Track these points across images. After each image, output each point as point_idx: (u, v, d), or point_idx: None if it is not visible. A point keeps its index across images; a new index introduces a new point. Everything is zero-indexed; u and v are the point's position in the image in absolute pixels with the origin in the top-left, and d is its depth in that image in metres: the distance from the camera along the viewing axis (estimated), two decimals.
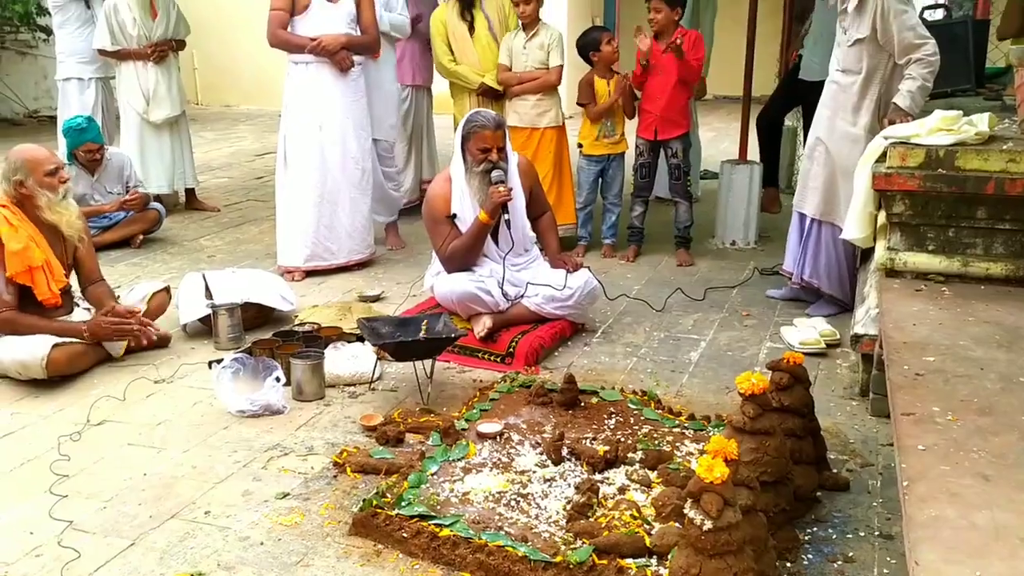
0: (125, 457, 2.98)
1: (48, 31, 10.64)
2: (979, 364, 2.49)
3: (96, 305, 3.83)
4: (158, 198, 6.13)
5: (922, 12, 5.53)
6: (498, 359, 3.71)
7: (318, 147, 4.87)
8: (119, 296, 3.96)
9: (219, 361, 3.46)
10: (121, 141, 6.43)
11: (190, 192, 6.77)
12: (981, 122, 3.29)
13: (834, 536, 2.50)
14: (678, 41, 4.84)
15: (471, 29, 5.39)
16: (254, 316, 4.14)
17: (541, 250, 4.26)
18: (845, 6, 3.96)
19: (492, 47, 5.40)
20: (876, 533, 2.51)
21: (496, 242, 3.96)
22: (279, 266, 5.03)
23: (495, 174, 3.80)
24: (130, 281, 4.87)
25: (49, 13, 8.92)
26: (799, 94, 6.07)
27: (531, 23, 5.22)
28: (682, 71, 4.95)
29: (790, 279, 4.42)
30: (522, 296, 3.89)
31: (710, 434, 2.99)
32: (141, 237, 5.71)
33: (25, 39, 11.75)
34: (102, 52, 6.26)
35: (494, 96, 5.41)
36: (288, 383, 3.42)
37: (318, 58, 4.78)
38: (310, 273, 4.98)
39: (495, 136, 3.83)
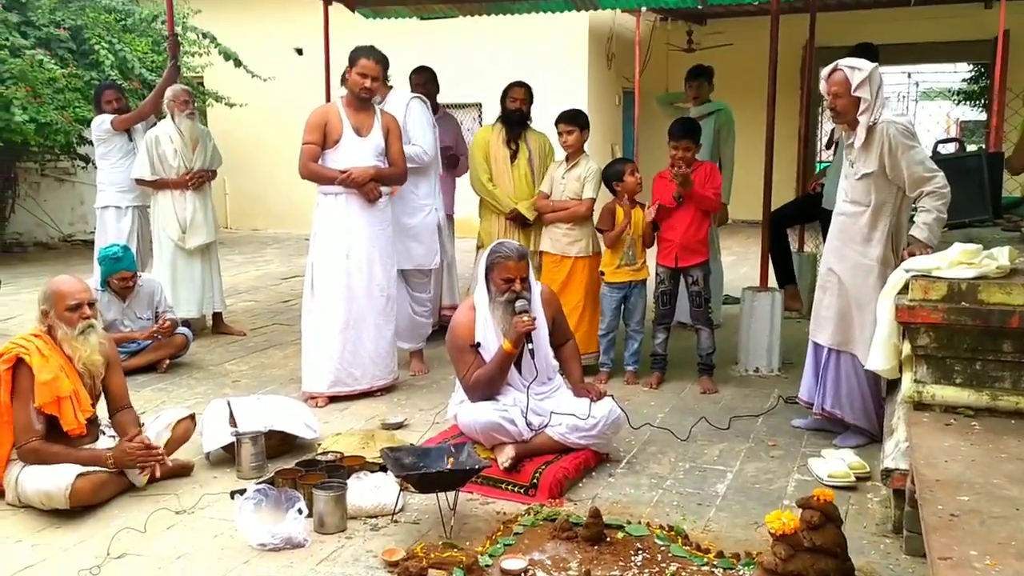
0: None
1: (86, 159, 11.08)
2: (1015, 504, 2.44)
3: (121, 432, 3.85)
4: (186, 322, 6.23)
5: (936, 146, 5.67)
6: (522, 490, 3.67)
7: (345, 274, 4.97)
8: (143, 424, 3.98)
9: (241, 492, 3.44)
10: (153, 267, 6.59)
11: (217, 316, 6.87)
12: (1002, 255, 3.32)
13: None
14: (684, 170, 4.99)
15: (513, 156, 5.62)
16: (278, 444, 4.14)
17: (562, 374, 4.26)
18: (851, 141, 4.07)
19: (528, 178, 5.62)
20: None
21: (520, 371, 3.98)
22: (303, 392, 5.06)
23: (519, 304, 3.85)
24: (155, 407, 4.90)
25: (88, 142, 9.34)
26: (817, 216, 6.20)
27: (573, 153, 5.43)
28: (697, 201, 5.07)
29: (809, 408, 4.39)
30: (546, 425, 3.87)
31: (740, 573, 2.92)
32: (168, 362, 5.77)
33: (64, 166, 12.22)
34: (140, 181, 6.49)
35: (522, 223, 5.55)
36: (310, 514, 3.39)
37: (347, 189, 4.93)
38: (333, 399, 5.00)
39: (518, 267, 3.90)
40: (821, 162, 6.38)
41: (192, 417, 4.15)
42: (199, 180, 6.43)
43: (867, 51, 5.62)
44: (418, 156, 5.44)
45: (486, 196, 5.69)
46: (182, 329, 5.92)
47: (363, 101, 4.99)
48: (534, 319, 3.85)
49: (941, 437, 3.01)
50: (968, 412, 3.21)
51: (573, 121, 5.42)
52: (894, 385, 3.94)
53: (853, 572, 2.69)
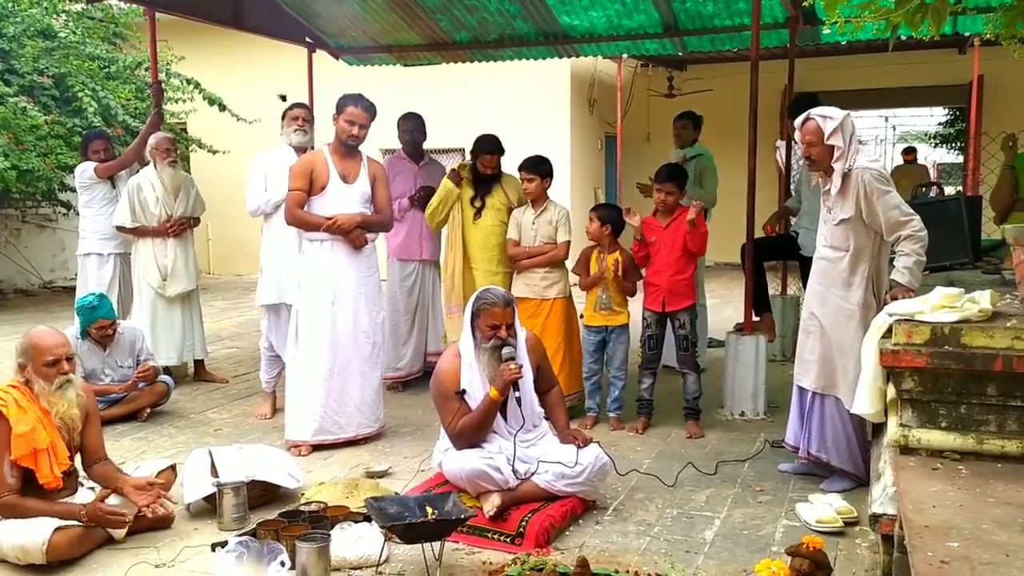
0: None
1: (68, 206, 11.05)
2: (1004, 550, 2.42)
3: (102, 484, 3.79)
4: (167, 370, 6.17)
5: (915, 190, 5.74)
6: (508, 539, 3.62)
7: (330, 321, 4.95)
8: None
9: (223, 544, 3.37)
10: (133, 313, 6.53)
11: (199, 363, 6.81)
12: (983, 299, 3.34)
13: None
14: (691, 217, 5.02)
15: (477, 215, 5.67)
16: (260, 494, 4.08)
17: (547, 419, 4.23)
18: (828, 188, 4.11)
19: (501, 226, 5.64)
20: None
21: (505, 418, 3.95)
22: (286, 440, 5.00)
23: (505, 351, 3.84)
24: (136, 456, 4.83)
25: (70, 188, 9.33)
26: (795, 257, 6.28)
27: (537, 200, 5.44)
28: (692, 244, 5.10)
29: (796, 452, 4.39)
30: (533, 473, 3.84)
31: None
32: (148, 410, 5.70)
33: (46, 213, 12.18)
34: (121, 229, 6.46)
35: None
36: (293, 567, 3.33)
37: (332, 236, 4.93)
38: (317, 447, 4.94)
39: (504, 313, 3.90)
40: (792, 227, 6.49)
41: (173, 467, 4.10)
42: (179, 228, 6.41)
43: (810, 101, 5.74)
44: None
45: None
46: (163, 377, 5.87)
47: (350, 148, 5.01)
48: (521, 367, 3.84)
49: (928, 482, 3.00)
50: (954, 456, 3.20)
51: (533, 170, 5.46)
52: (879, 428, 3.94)
53: None
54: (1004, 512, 2.71)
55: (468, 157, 5.89)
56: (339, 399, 4.97)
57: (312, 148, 5.52)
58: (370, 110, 5.00)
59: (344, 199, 4.95)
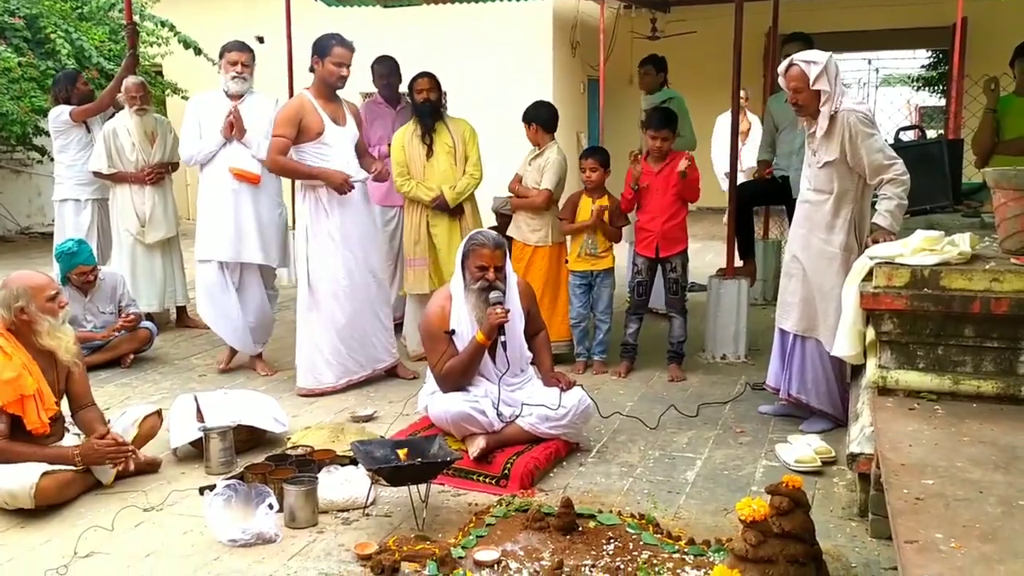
0: None
1: (43, 151, 10.87)
2: (978, 487, 2.49)
3: (86, 431, 3.80)
4: (149, 316, 6.15)
5: (897, 133, 5.75)
6: (493, 481, 3.67)
7: (341, 265, 4.97)
8: (109, 420, 3.93)
9: (211, 488, 3.41)
10: (113, 260, 6.49)
11: (181, 309, 6.79)
12: (963, 242, 3.38)
13: None
14: (681, 168, 5.01)
15: (429, 152, 5.47)
16: (246, 439, 4.10)
17: (533, 364, 4.26)
18: (813, 131, 4.11)
19: (452, 170, 5.46)
20: None
21: (493, 361, 3.98)
22: (299, 388, 5.00)
23: (493, 295, 3.85)
24: (120, 402, 4.84)
25: (45, 133, 9.16)
26: (783, 200, 6.28)
27: (540, 145, 5.45)
28: (684, 191, 5.10)
29: (776, 394, 4.45)
30: (517, 416, 3.88)
31: (710, 560, 2.95)
32: (131, 356, 5.70)
33: (20, 158, 11.98)
34: (98, 174, 6.37)
35: (450, 212, 5.47)
36: (281, 509, 3.37)
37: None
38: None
39: (493, 255, 3.89)
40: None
41: (158, 413, 4.11)
42: (157, 175, 6.32)
43: (802, 40, 5.71)
44: None
45: (408, 194, 5.50)
46: (146, 323, 5.85)
47: (334, 91, 4.94)
48: (508, 311, 3.85)
49: (905, 422, 3.06)
50: (931, 396, 3.27)
51: (525, 117, 5.48)
52: (858, 370, 4.01)
53: (820, 556, 2.72)
54: (978, 450, 2.77)
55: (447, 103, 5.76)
56: (360, 340, 5.05)
57: (251, 94, 5.33)
58: (353, 49, 4.91)
59: (340, 142, 4.92)
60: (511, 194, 5.58)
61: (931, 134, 6.78)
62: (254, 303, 5.44)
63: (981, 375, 3.24)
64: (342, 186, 4.86)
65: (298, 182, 5.08)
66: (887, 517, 2.89)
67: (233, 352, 5.56)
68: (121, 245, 6.43)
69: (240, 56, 5.27)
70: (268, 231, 5.36)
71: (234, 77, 5.26)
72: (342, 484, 3.53)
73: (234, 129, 5.21)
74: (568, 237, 5.45)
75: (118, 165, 6.27)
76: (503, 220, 5.89)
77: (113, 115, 6.47)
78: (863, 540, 3.19)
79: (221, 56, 5.37)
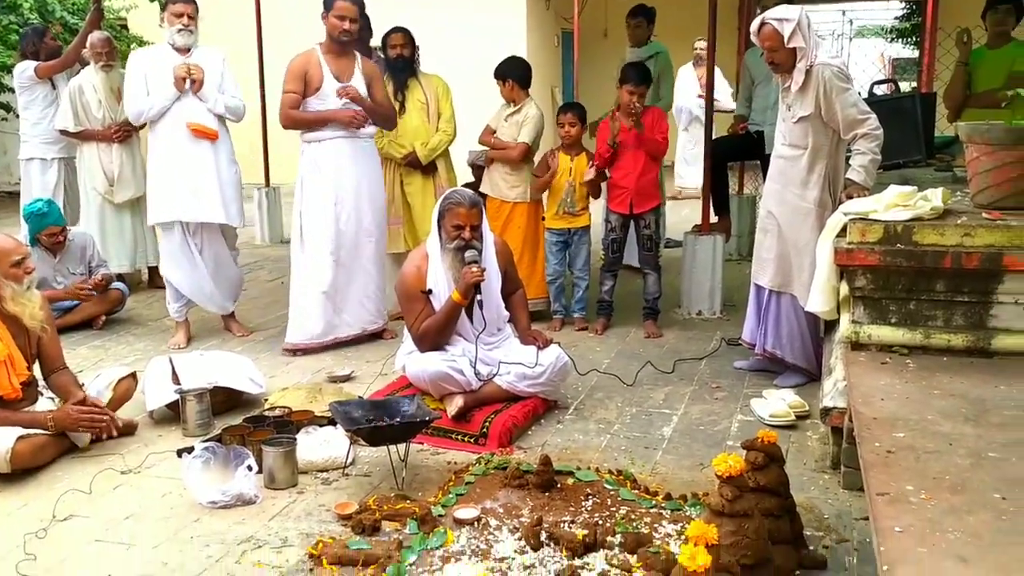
0: (93, 555, 2.90)
1: (8, 108, 10.63)
2: (948, 439, 2.54)
3: (60, 394, 3.77)
4: (120, 277, 6.08)
5: (872, 87, 5.75)
6: (471, 440, 3.70)
7: (333, 220, 4.94)
8: (84, 384, 3.90)
9: (189, 450, 3.41)
10: (81, 220, 6.39)
11: (153, 270, 6.72)
12: (935, 197, 3.40)
13: None
14: (634, 109, 4.99)
15: (402, 109, 5.43)
16: (223, 400, 4.09)
17: (510, 323, 4.28)
18: (788, 85, 4.10)
19: (424, 128, 5.44)
20: None
21: (471, 320, 3.98)
22: (287, 344, 5.02)
23: (468, 254, 3.84)
24: (93, 364, 4.81)
25: (10, 90, 8.95)
26: (757, 155, 6.28)
27: (517, 101, 5.39)
28: (647, 146, 5.08)
29: (752, 349, 4.49)
30: (495, 375, 3.90)
31: (687, 514, 3.00)
32: (104, 318, 5.65)
33: None
34: (64, 132, 6.25)
35: (423, 170, 5.45)
36: (260, 471, 3.37)
37: (332, 133, 4.87)
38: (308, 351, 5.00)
39: (469, 214, 3.87)
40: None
41: (133, 375, 4.08)
42: (124, 133, 6.21)
43: None
44: (237, 109, 5.20)
45: (380, 152, 5.37)
46: (117, 284, 5.79)
47: (343, 46, 4.88)
48: (483, 270, 3.83)
49: (877, 376, 3.10)
50: (903, 351, 3.31)
51: (498, 73, 5.42)
52: (832, 325, 4.05)
53: (794, 508, 2.78)
54: (948, 403, 2.82)
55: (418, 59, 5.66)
56: (344, 298, 5.03)
57: (197, 47, 5.14)
58: (358, 2, 4.84)
59: (338, 99, 4.85)
60: (483, 147, 5.53)
61: (904, 87, 6.76)
62: (220, 263, 5.29)
63: (952, 329, 3.28)
64: (352, 121, 4.84)
65: (300, 139, 5.00)
66: (859, 469, 2.94)
67: (188, 327, 5.38)
68: (89, 205, 6.33)
69: (186, 8, 5.03)
70: (227, 189, 5.18)
71: (180, 30, 5.01)
72: (321, 445, 3.54)
73: (190, 83, 4.99)
74: (545, 195, 5.42)
75: (85, 123, 6.16)
76: (479, 173, 5.83)
77: (79, 71, 6.33)
78: (835, 492, 3.25)
79: (164, 8, 5.17)
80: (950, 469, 2.34)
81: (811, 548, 2.81)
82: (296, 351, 4.97)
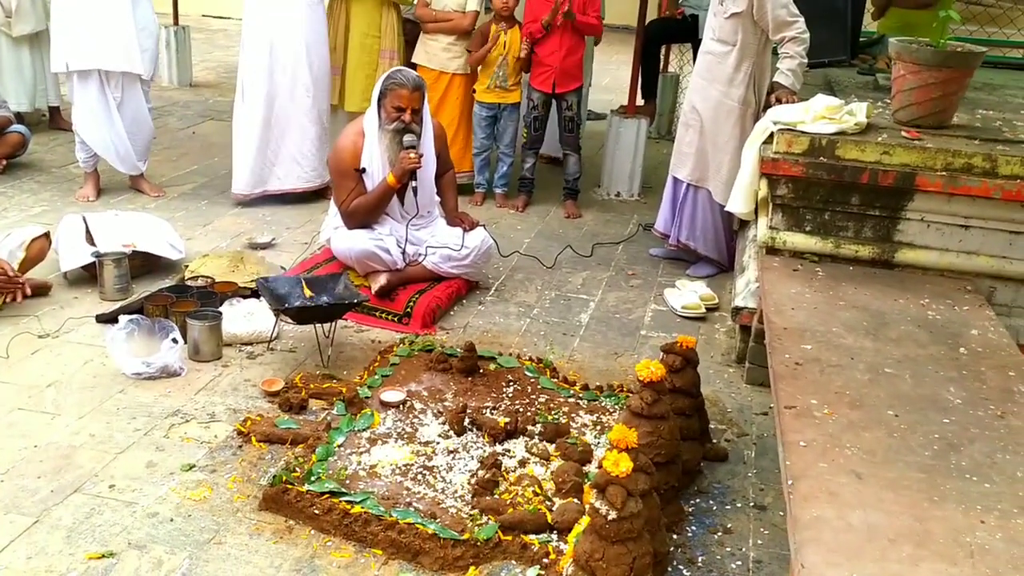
0: (16, 423, 2.90)
1: None
2: (850, 353, 2.74)
3: None
4: (20, 118, 5.75)
5: None
6: (396, 319, 3.76)
7: (267, 71, 4.88)
8: None
9: (111, 320, 3.37)
10: None
11: (54, 110, 6.38)
12: (860, 112, 3.51)
13: (714, 507, 2.74)
14: (565, 8, 4.90)
15: None
16: (140, 264, 4.02)
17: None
18: None
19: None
20: (751, 504, 2.77)
21: (401, 202, 3.96)
22: (234, 194, 5.02)
23: (407, 139, 3.77)
24: None
25: None
26: (690, 39, 6.28)
27: None
28: (584, 30, 5.04)
29: (665, 239, 4.64)
30: (422, 256, 3.93)
31: (602, 404, 3.18)
32: (4, 163, 5.37)
33: None
34: None
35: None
36: (185, 343, 3.38)
37: None
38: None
39: (412, 97, 3.77)
40: None
41: (47, 235, 3.94)
42: None
43: None
44: None
45: None
46: (17, 126, 5.49)
47: None
48: (421, 156, 3.78)
49: (789, 283, 3.28)
50: (813, 258, 3.49)
51: None
52: (746, 223, 4.21)
53: (703, 405, 2.98)
54: (851, 315, 3.02)
55: None
56: (276, 151, 5.00)
57: None
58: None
59: None
60: (419, 19, 5.32)
61: None
62: (138, 119, 4.99)
63: (860, 240, 3.47)
64: None
65: None
66: (762, 367, 3.18)
67: (97, 179, 5.11)
68: None
69: None
70: (145, 37, 4.82)
71: None
72: (245, 318, 3.55)
73: None
74: (479, 68, 5.31)
75: None
76: (414, 31, 5.57)
77: None
78: (739, 386, 3.48)
79: None
80: (850, 384, 2.54)
81: (714, 441, 3.04)
82: (238, 202, 5.04)
